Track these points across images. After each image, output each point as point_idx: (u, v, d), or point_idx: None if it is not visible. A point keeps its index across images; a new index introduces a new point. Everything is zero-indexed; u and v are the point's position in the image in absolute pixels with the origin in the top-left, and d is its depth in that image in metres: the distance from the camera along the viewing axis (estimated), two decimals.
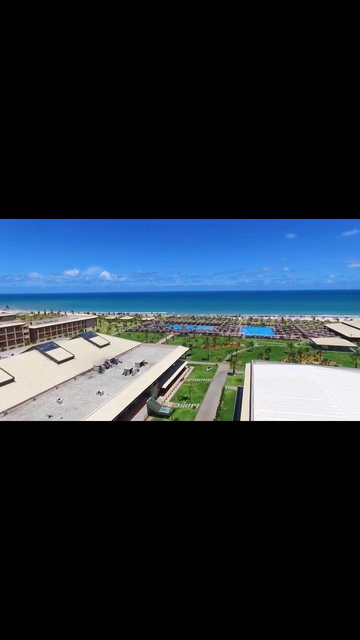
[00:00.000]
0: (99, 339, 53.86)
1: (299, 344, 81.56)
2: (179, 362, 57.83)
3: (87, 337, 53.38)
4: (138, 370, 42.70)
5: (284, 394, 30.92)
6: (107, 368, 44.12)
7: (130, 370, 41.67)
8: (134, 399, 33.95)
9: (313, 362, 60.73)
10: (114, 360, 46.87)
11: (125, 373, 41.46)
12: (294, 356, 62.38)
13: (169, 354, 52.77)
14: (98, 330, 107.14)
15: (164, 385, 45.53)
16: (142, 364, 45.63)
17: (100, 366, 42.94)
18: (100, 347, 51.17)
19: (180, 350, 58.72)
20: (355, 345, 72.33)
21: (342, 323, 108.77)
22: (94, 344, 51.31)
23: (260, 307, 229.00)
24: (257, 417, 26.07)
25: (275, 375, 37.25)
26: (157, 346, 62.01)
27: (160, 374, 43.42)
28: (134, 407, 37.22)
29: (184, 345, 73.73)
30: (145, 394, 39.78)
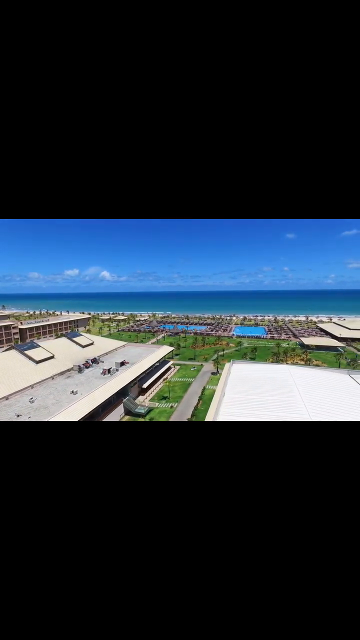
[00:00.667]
0: (83, 338, 54.07)
1: (288, 344, 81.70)
2: (163, 362, 58.07)
3: (71, 336, 53.59)
4: (117, 370, 42.90)
5: (254, 393, 31.09)
6: (87, 368, 44.34)
7: (109, 370, 41.87)
8: (105, 398, 34.16)
9: (298, 361, 60.89)
10: (95, 360, 47.08)
11: (104, 372, 41.68)
12: (279, 356, 62.54)
13: (152, 354, 52.97)
14: (89, 331, 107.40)
15: (145, 385, 45.75)
16: (122, 363, 45.83)
17: (79, 366, 43.16)
18: (83, 346, 51.38)
19: (165, 350, 58.92)
20: (343, 345, 72.42)
21: (334, 323, 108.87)
22: (77, 343, 51.53)
23: (257, 307, 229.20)
24: (222, 417, 26.26)
25: (251, 375, 37.41)
26: (143, 346, 62.21)
27: (139, 373, 43.61)
28: (109, 405, 37.46)
29: (173, 345, 73.99)
30: (122, 393, 40.01)
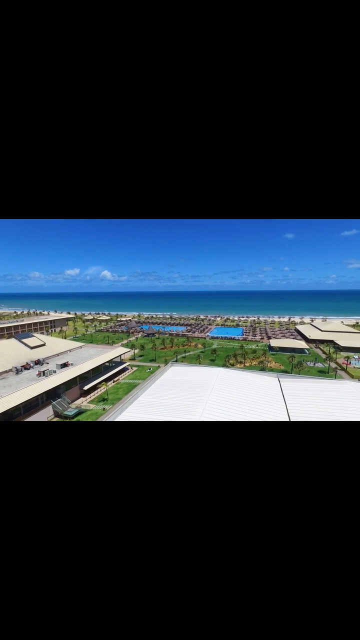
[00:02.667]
0: (33, 340, 53.99)
1: (257, 345, 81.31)
2: (117, 363, 57.94)
3: (21, 337, 53.51)
4: (55, 372, 42.78)
5: (168, 397, 30.82)
6: (26, 369, 44.23)
7: (44, 372, 41.77)
8: (23, 400, 34.07)
9: (254, 363, 60.52)
10: (39, 362, 46.98)
11: (39, 374, 41.57)
12: (237, 358, 62.20)
13: (101, 356, 52.83)
14: (61, 331, 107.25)
15: (87, 387, 45.62)
16: (64, 365, 45.72)
17: (17, 368, 43.07)
18: (32, 348, 51.28)
19: (118, 351, 58.78)
20: (308, 347, 71.91)
21: (310, 324, 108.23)
22: (25, 345, 51.43)
23: (255, 308, 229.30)
24: (120, 418, 26.08)
25: (181, 378, 37.18)
26: (99, 347, 61.98)
27: (75, 375, 43.48)
28: (35, 407, 37.41)
29: (144, 346, 73.80)
30: (55, 394, 39.93)
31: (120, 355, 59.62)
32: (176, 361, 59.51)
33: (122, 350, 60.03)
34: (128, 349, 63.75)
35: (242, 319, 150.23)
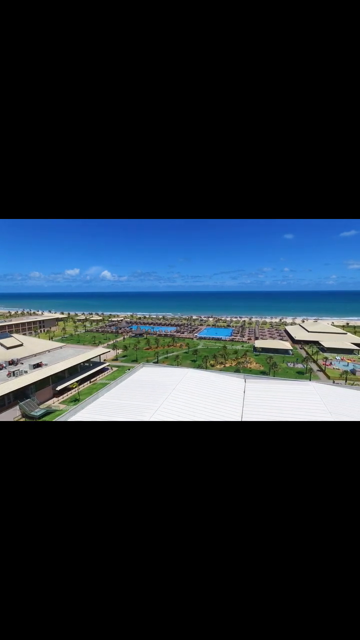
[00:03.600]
0: (11, 340, 54.05)
1: (242, 346, 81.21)
2: (96, 364, 57.94)
3: None
4: (26, 372, 42.81)
5: (126, 397, 30.78)
6: None
7: (14, 373, 41.80)
8: None
9: (234, 364, 60.42)
10: (13, 362, 47.02)
11: (9, 374, 41.59)
12: (217, 358, 62.13)
13: (78, 356, 52.84)
14: (48, 331, 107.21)
15: (60, 387, 45.63)
16: (37, 365, 45.75)
17: None
18: (8, 348, 51.35)
19: (96, 351, 58.78)
20: (291, 348, 71.78)
21: (299, 325, 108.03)
22: (1, 345, 51.53)
23: (246, 308, 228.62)
24: (74, 418, 26.06)
25: (148, 379, 37.15)
26: (79, 347, 62.09)
27: (48, 375, 43.48)
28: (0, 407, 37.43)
29: (126, 346, 73.78)
30: (23, 395, 39.95)
31: (99, 355, 59.62)
32: (157, 362, 59.54)
33: (101, 350, 60.03)
34: (108, 350, 63.77)
35: (234, 319, 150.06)
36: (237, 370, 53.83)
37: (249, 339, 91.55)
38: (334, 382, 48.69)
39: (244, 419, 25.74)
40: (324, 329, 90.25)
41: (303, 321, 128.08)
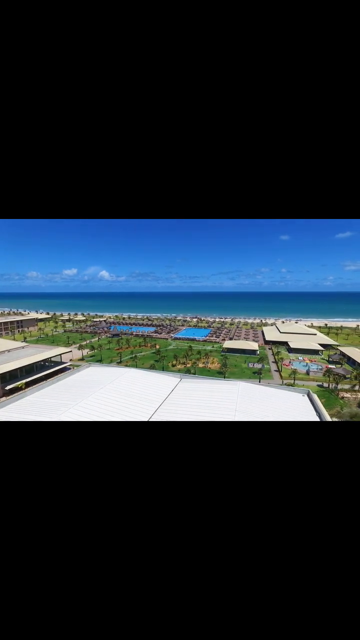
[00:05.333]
0: None
1: (213, 346, 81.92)
2: (57, 363, 58.44)
3: None
4: None
5: (59, 397, 31.33)
6: None
7: None
8: None
9: (193, 363, 61.15)
10: None
11: None
12: (178, 358, 62.82)
13: (34, 356, 53.37)
14: (24, 332, 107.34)
15: (9, 387, 46.13)
16: None
17: None
18: None
19: (56, 351, 59.37)
20: (257, 349, 72.53)
21: (275, 326, 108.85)
22: None
23: (236, 309, 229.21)
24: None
25: (87, 378, 37.77)
26: (41, 347, 62.62)
27: None
28: None
29: (94, 347, 74.22)
30: None
31: (60, 355, 60.15)
32: (120, 362, 60.02)
33: (60, 350, 60.58)
34: (69, 349, 64.26)
35: (218, 320, 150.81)
36: (187, 371, 54.60)
37: (223, 339, 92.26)
38: (283, 382, 49.52)
39: (154, 418, 26.38)
40: (296, 330, 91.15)
41: (282, 322, 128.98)
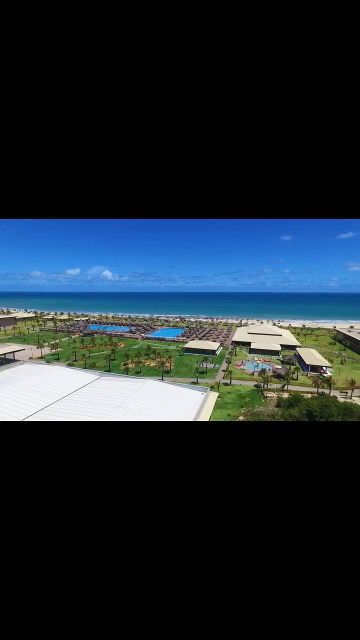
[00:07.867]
0: None
1: (177, 347, 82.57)
2: (9, 361, 59.42)
3: None
4: None
5: None
6: None
7: None
8: None
9: (152, 363, 61.85)
10: None
11: None
12: (130, 358, 63.65)
13: None
14: (5, 330, 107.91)
15: None
16: None
17: None
18: None
19: (8, 349, 60.40)
20: (215, 349, 73.00)
21: (250, 326, 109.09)
22: None
23: (227, 310, 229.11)
24: None
25: (16, 375, 38.63)
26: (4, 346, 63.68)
27: None
28: None
29: (57, 346, 75.28)
30: None
31: (13, 352, 61.16)
32: (75, 361, 60.72)
33: (14, 347, 61.58)
34: (22, 347, 65.29)
35: (200, 319, 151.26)
36: (125, 370, 55.68)
37: (192, 340, 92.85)
38: (230, 381, 50.16)
39: (48, 416, 27.12)
40: (264, 331, 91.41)
41: (261, 322, 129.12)
